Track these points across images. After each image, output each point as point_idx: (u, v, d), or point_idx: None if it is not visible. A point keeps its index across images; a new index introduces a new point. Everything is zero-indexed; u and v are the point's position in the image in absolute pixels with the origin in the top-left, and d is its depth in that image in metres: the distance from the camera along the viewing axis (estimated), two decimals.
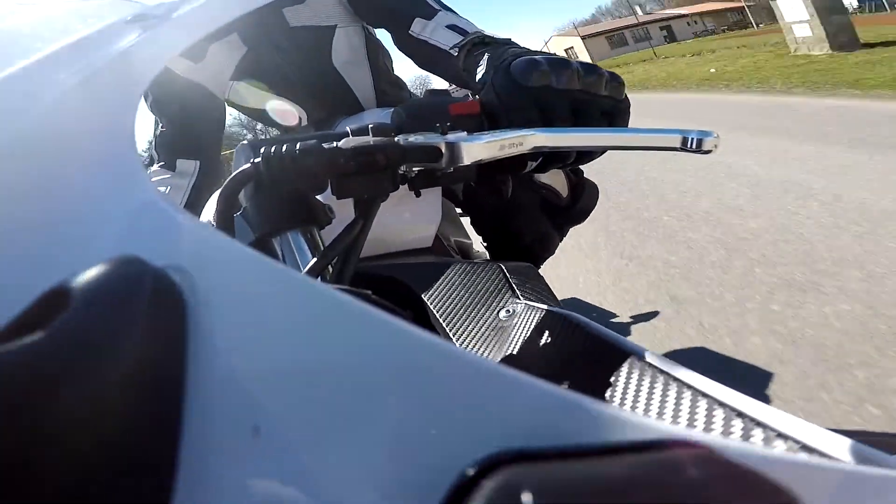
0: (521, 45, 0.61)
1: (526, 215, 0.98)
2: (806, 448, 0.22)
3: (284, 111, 0.95)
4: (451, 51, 0.71)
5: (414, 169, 0.43)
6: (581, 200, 1.03)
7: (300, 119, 0.98)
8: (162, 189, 0.90)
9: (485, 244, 1.10)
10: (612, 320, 2.16)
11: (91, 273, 0.16)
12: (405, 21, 0.80)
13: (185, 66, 0.90)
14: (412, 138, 0.40)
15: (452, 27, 0.73)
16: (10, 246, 0.20)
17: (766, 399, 1.48)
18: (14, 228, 0.20)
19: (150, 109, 0.95)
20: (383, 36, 1.03)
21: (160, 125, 0.95)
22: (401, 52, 0.86)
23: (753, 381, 1.57)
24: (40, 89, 0.26)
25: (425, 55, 0.78)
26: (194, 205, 0.91)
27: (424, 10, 0.78)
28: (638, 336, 2.00)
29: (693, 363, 1.72)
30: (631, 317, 2.14)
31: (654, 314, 2.10)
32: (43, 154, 0.23)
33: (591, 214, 1.07)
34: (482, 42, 0.67)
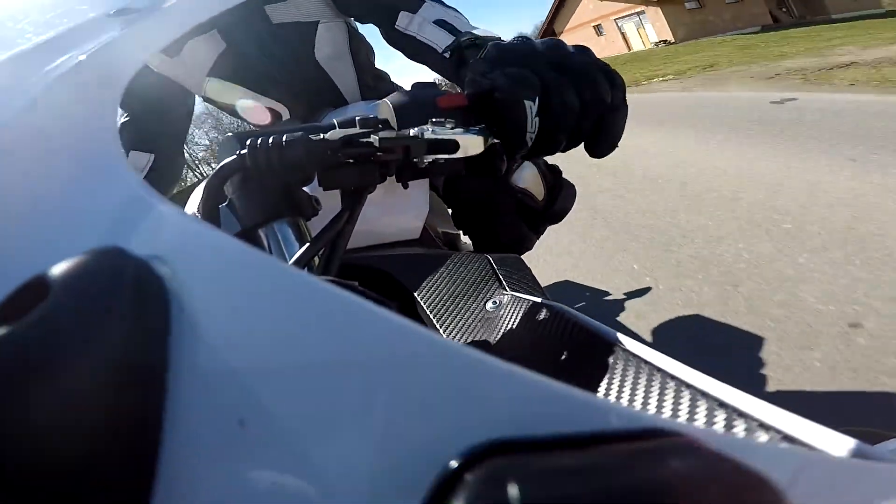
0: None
1: (501, 219, 0.98)
2: (788, 438, 0.23)
3: (255, 111, 0.94)
4: (444, 54, 0.70)
5: None
6: (558, 201, 1.04)
7: (281, 115, 0.97)
8: None
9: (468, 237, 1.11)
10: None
11: (71, 263, 0.16)
12: (391, 15, 0.79)
13: (159, 61, 0.89)
14: (399, 132, 0.40)
15: (440, 23, 0.73)
16: None
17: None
18: None
19: None
20: (366, 30, 1.02)
21: (123, 115, 0.94)
22: (390, 46, 0.85)
23: None
24: (22, 83, 0.26)
25: (413, 50, 0.78)
26: None
27: (409, 2, 0.77)
28: None
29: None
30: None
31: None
32: (24, 147, 0.23)
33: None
34: (473, 44, 0.66)
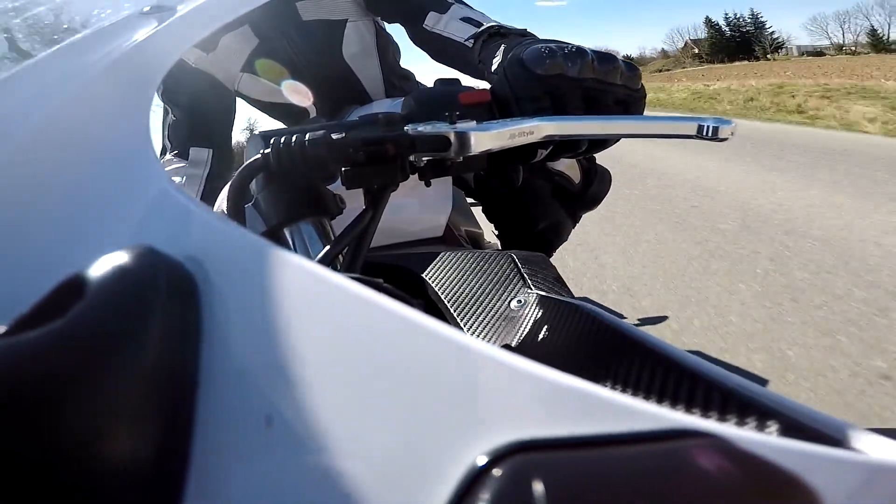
0: (538, 37, 0.60)
1: (539, 202, 0.98)
2: (822, 438, 0.22)
3: (297, 91, 0.95)
4: (467, 42, 0.70)
5: (424, 158, 0.43)
6: (593, 186, 1.03)
7: (308, 111, 0.98)
8: (177, 179, 0.90)
9: (496, 233, 1.10)
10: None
11: (106, 263, 0.16)
12: (419, 15, 0.79)
13: (196, 56, 0.91)
14: (421, 128, 0.39)
15: (467, 19, 0.72)
16: (27, 235, 0.20)
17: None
18: (31, 218, 0.20)
19: (161, 98, 0.96)
20: (393, 29, 1.02)
21: (171, 114, 0.96)
22: (416, 46, 0.85)
23: None
24: (58, 81, 0.26)
25: (440, 48, 0.77)
26: (210, 194, 0.91)
27: (438, 3, 0.77)
28: None
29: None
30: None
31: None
32: (59, 145, 0.23)
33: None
34: (498, 33, 0.66)
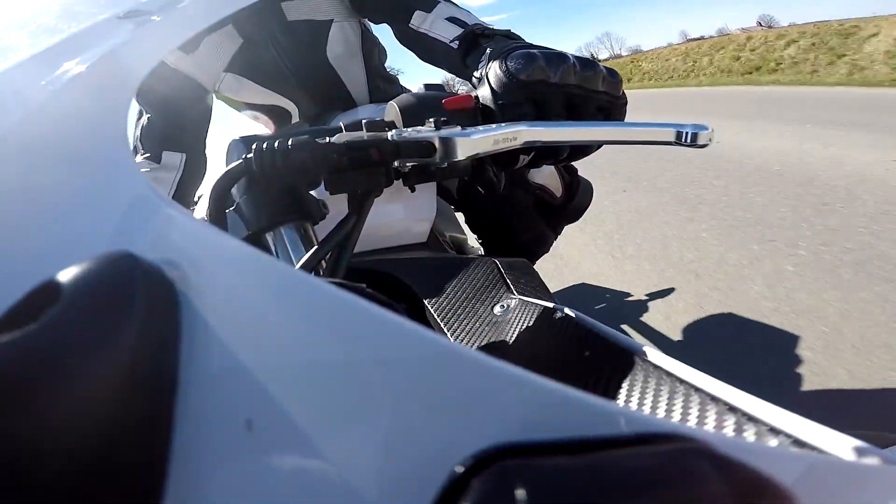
0: (522, 38, 0.61)
1: (519, 215, 0.98)
2: (798, 442, 0.22)
3: (257, 119, 0.95)
4: (452, 44, 0.70)
5: (408, 164, 0.43)
6: (575, 199, 1.04)
7: (291, 113, 0.97)
8: None
9: (479, 242, 1.11)
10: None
11: (81, 268, 0.16)
12: (405, 14, 0.79)
13: (175, 57, 0.87)
14: (406, 133, 0.39)
15: (452, 19, 0.73)
16: (0, 241, 0.19)
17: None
18: (4, 224, 0.20)
19: (136, 99, 0.92)
20: (380, 32, 1.02)
21: (145, 115, 0.91)
22: (403, 46, 0.85)
23: None
24: (34, 86, 0.26)
25: (426, 48, 0.77)
26: (181, 199, 0.88)
27: (425, 2, 0.77)
28: None
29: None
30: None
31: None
32: (35, 150, 0.23)
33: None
34: (483, 34, 0.66)
